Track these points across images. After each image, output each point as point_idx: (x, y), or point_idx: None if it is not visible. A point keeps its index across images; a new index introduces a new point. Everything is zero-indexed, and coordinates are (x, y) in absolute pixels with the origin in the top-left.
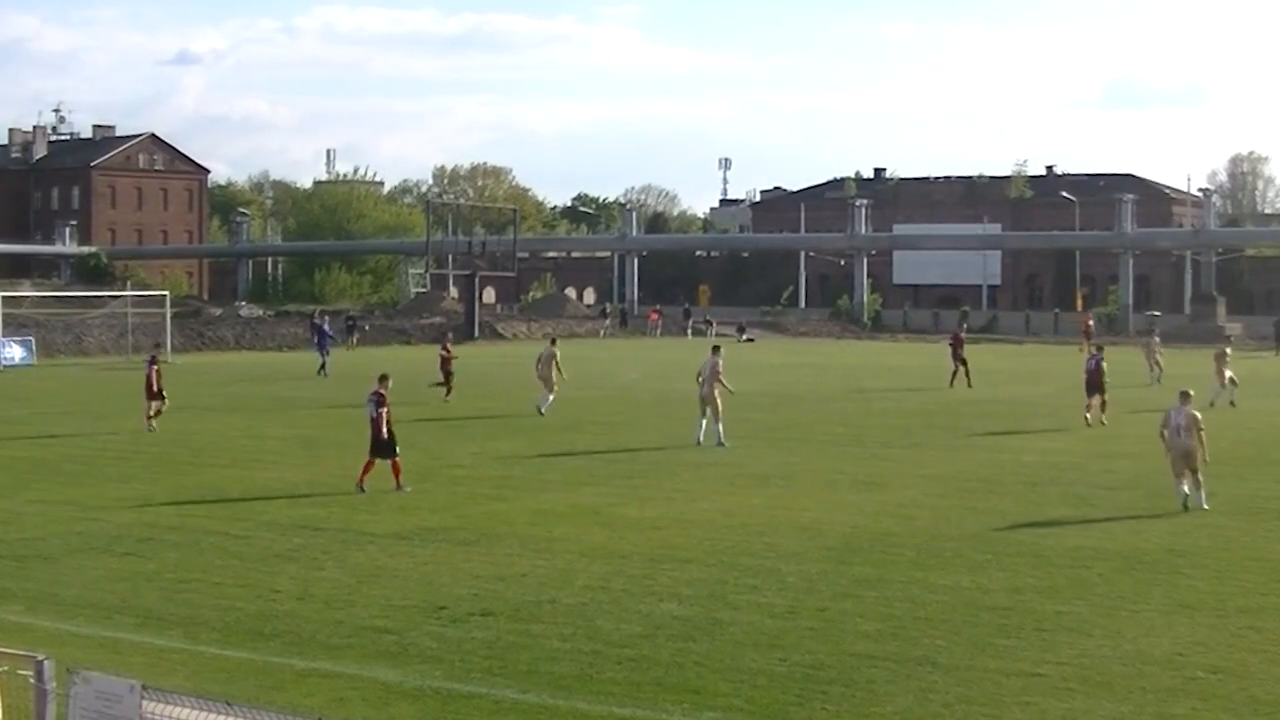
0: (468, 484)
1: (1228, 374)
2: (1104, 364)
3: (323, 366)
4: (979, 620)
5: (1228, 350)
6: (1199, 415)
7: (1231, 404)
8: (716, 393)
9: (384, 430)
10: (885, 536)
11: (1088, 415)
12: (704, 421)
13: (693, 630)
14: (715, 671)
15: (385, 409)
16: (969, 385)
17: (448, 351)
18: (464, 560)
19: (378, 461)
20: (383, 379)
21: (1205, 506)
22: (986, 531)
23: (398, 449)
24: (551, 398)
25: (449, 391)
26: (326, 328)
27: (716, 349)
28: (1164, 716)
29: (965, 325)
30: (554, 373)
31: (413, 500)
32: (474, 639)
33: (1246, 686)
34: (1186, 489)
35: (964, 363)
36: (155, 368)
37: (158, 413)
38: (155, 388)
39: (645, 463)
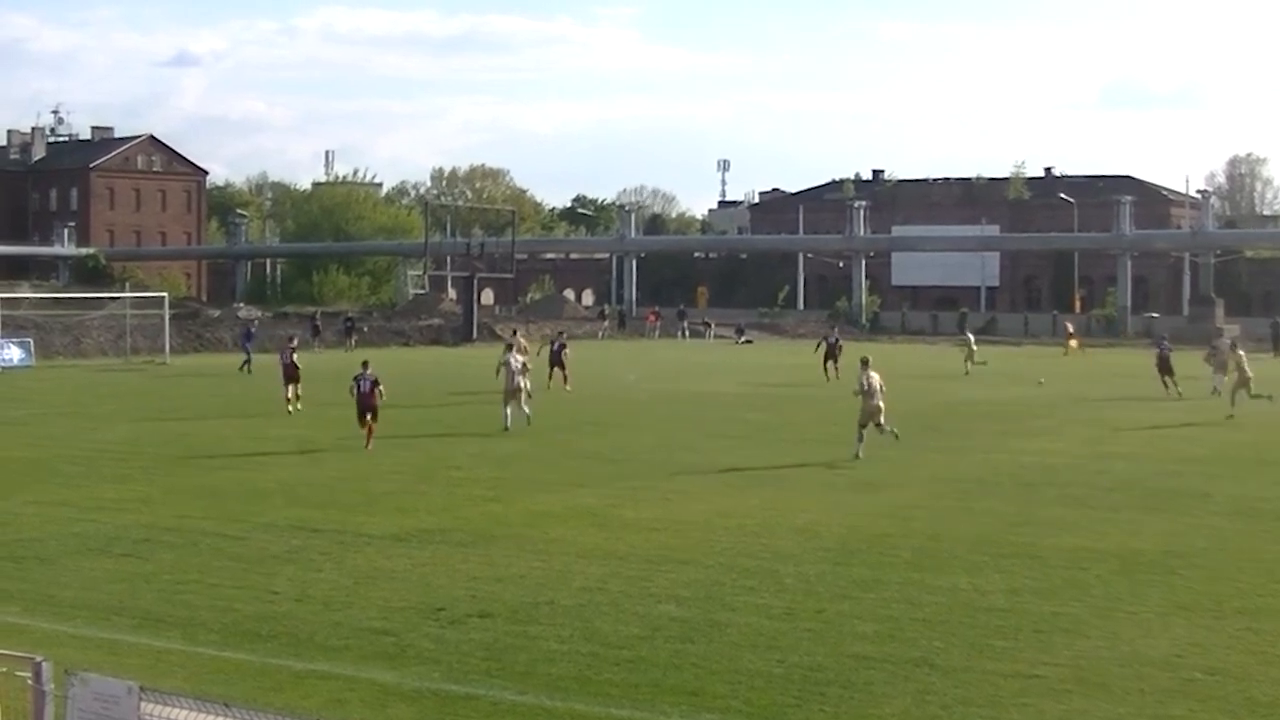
0: (465, 485)
1: (1235, 373)
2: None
3: (246, 363)
4: (976, 622)
5: (1216, 345)
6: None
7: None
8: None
9: (376, 400)
10: (882, 538)
11: None
12: None
13: (690, 632)
14: (713, 673)
15: (380, 385)
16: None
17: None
18: (462, 562)
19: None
20: (365, 364)
21: (896, 433)
22: (984, 533)
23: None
24: (509, 411)
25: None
26: (253, 330)
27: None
28: (1161, 718)
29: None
30: (522, 379)
31: (410, 502)
32: (472, 640)
33: (1244, 688)
34: (862, 443)
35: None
36: (294, 354)
37: (297, 395)
38: (295, 372)
39: (643, 464)
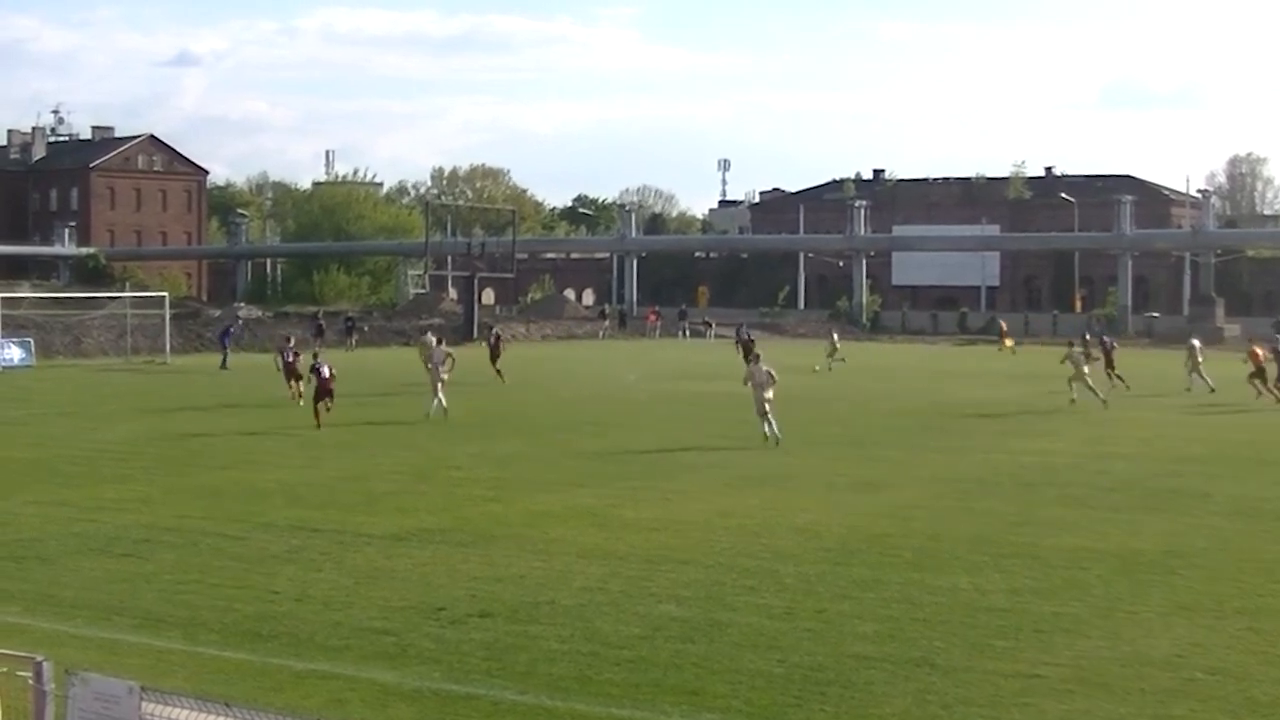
0: (465, 485)
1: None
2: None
3: (224, 362)
4: (977, 622)
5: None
6: (773, 371)
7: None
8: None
9: (332, 385)
10: (883, 538)
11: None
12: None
13: (691, 631)
14: (713, 673)
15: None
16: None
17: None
18: (462, 561)
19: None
20: (315, 355)
21: (780, 436)
22: (984, 533)
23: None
24: (438, 401)
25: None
26: (232, 329)
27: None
28: (1162, 718)
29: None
30: (446, 373)
31: (410, 502)
32: (472, 640)
33: (1245, 688)
34: (765, 429)
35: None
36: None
37: (300, 393)
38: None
39: (643, 464)
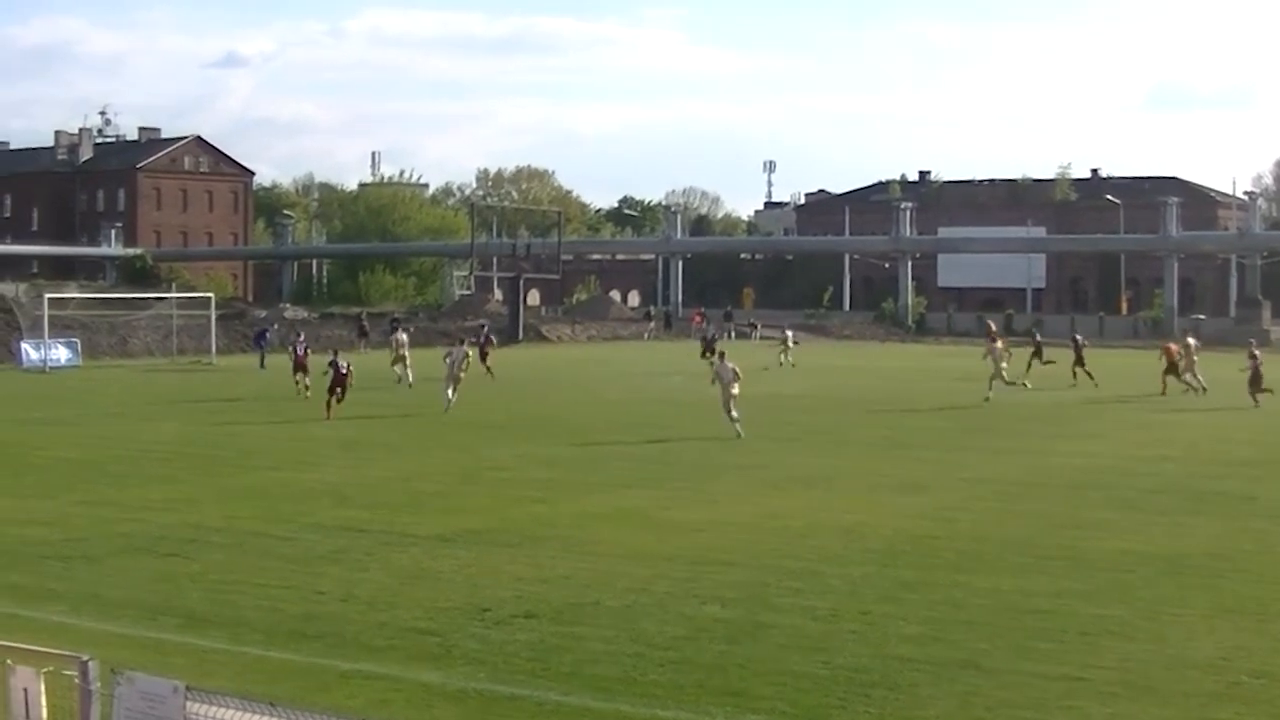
0: (511, 486)
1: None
2: None
3: (261, 362)
4: (1021, 624)
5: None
6: (738, 368)
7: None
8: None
9: (349, 381)
10: (927, 539)
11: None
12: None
13: (735, 633)
14: (758, 674)
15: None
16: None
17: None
18: (507, 562)
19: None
20: (335, 352)
21: (741, 434)
22: (1028, 535)
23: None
24: (452, 394)
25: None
26: (269, 334)
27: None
28: None
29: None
30: (461, 371)
31: (456, 502)
32: (517, 641)
33: None
34: (733, 426)
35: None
36: (307, 350)
37: (306, 386)
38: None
39: (688, 465)
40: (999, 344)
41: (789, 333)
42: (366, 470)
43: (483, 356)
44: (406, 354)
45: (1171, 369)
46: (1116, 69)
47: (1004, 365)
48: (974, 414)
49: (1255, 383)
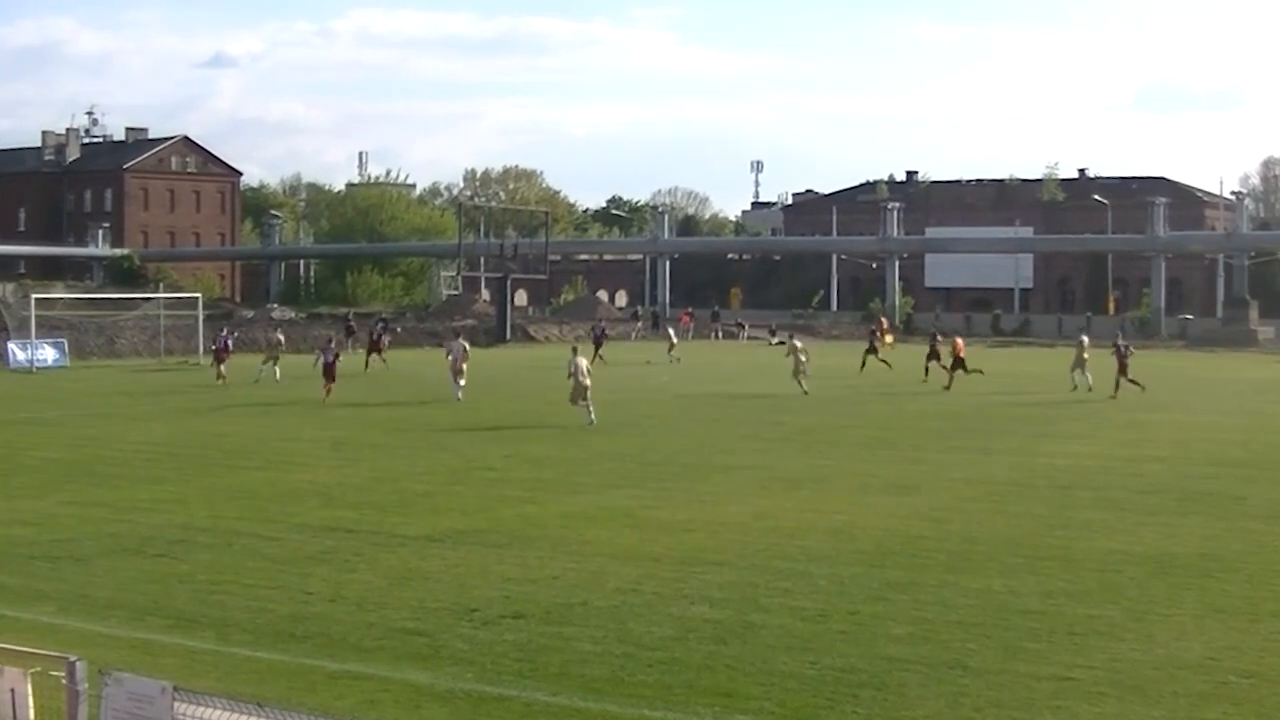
0: (499, 486)
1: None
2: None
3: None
4: (1010, 624)
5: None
6: (586, 362)
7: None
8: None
9: (336, 368)
10: (917, 540)
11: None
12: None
13: (724, 633)
14: (746, 674)
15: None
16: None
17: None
18: (495, 563)
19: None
20: (330, 339)
21: (594, 420)
22: (1018, 535)
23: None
24: (462, 383)
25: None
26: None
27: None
28: None
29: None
30: (463, 363)
31: (444, 503)
32: (505, 641)
33: (1279, 691)
34: (590, 414)
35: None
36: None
37: (331, 391)
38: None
39: (677, 465)
40: (798, 341)
41: (672, 332)
42: (354, 470)
43: (376, 349)
44: (278, 354)
45: (958, 364)
46: (1104, 69)
47: (804, 360)
48: (963, 415)
49: (1122, 373)
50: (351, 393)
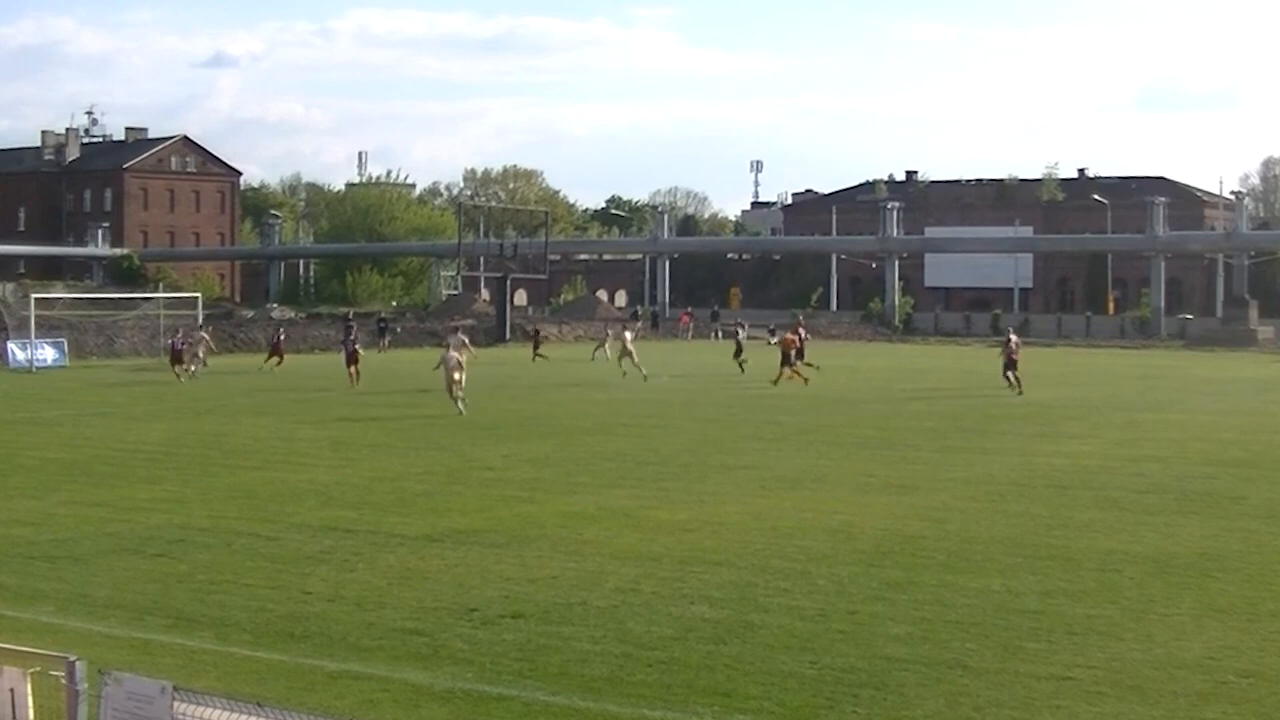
0: (498, 486)
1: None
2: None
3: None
4: (1010, 624)
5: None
6: (461, 356)
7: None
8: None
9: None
10: (916, 540)
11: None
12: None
13: (723, 633)
14: (746, 674)
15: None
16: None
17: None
18: (495, 562)
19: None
20: (349, 322)
21: (464, 411)
22: (1017, 535)
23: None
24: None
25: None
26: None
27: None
28: None
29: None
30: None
31: (443, 502)
32: (505, 641)
33: (1278, 690)
34: (458, 405)
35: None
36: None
37: (357, 374)
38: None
39: (676, 465)
40: (627, 331)
41: (610, 332)
42: (353, 470)
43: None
44: (201, 351)
45: (788, 359)
46: (1104, 69)
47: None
48: (962, 414)
49: (1010, 366)
50: (349, 392)
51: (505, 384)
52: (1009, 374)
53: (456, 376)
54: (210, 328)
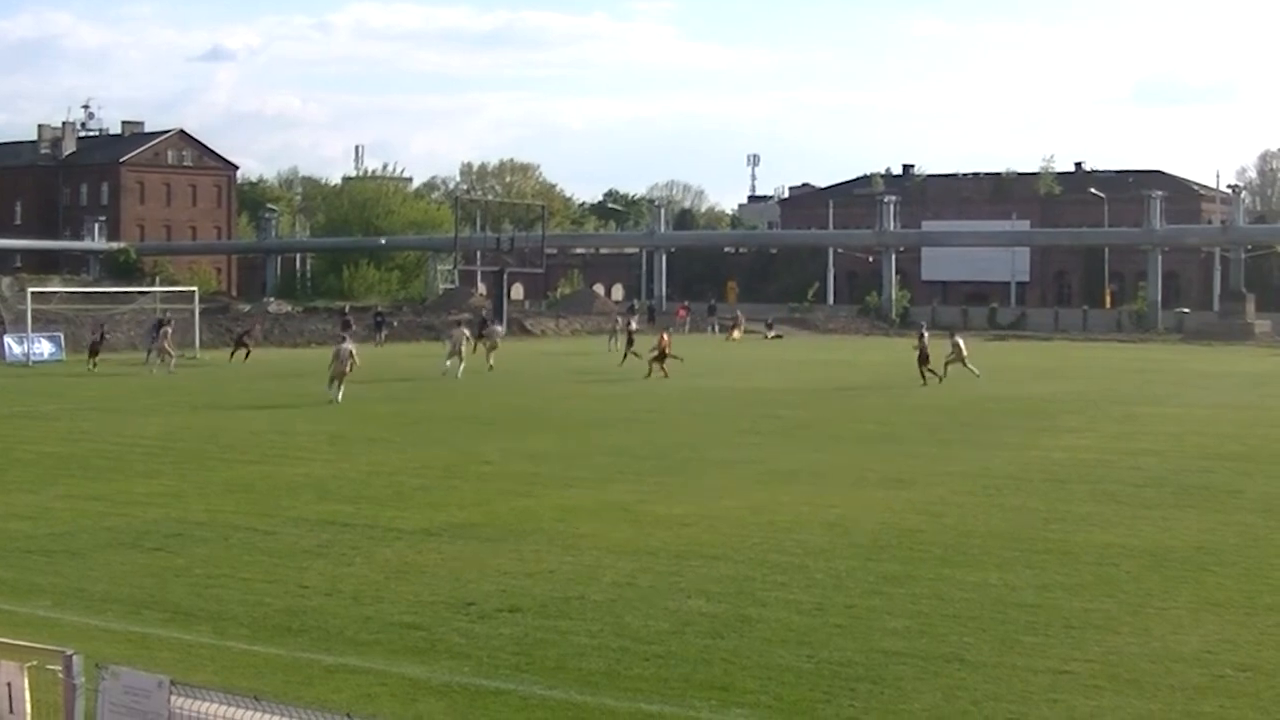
0: (496, 480)
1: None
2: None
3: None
4: (1007, 617)
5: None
6: (352, 349)
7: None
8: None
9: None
10: (913, 534)
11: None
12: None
13: (721, 627)
14: (743, 668)
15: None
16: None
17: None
18: (492, 556)
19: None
20: (346, 322)
21: (339, 400)
22: (1014, 529)
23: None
24: (461, 364)
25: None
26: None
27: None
28: (1192, 714)
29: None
30: (464, 345)
31: (440, 497)
32: (502, 635)
33: (1275, 684)
34: (336, 394)
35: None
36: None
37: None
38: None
39: (673, 459)
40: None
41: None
42: (350, 464)
43: (240, 346)
44: (167, 344)
45: (660, 356)
46: (1101, 63)
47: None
48: (958, 409)
49: (923, 361)
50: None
51: (501, 378)
52: (923, 369)
53: (344, 369)
54: (173, 320)
